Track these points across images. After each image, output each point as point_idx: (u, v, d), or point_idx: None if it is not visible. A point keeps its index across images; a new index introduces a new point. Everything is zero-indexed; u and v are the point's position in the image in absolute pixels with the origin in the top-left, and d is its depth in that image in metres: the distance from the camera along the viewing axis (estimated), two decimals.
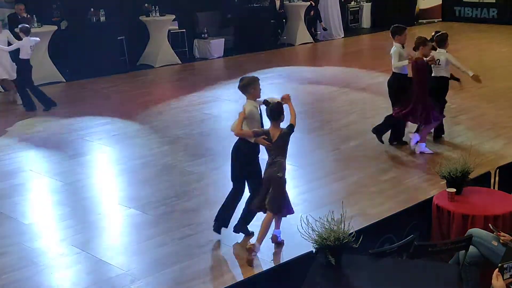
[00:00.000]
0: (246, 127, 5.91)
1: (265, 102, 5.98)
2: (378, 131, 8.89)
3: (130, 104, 11.76)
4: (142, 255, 5.97)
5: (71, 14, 14.41)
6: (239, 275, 5.54)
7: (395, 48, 8.72)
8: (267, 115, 5.91)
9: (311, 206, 6.89)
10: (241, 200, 6.22)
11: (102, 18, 14.26)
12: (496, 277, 3.57)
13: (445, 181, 5.53)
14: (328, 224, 4.30)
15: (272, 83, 13.18)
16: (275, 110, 5.83)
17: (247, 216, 6.19)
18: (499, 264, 3.67)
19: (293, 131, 5.86)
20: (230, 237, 6.21)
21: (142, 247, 6.13)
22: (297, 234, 4.42)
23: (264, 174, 5.97)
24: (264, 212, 5.95)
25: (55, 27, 13.58)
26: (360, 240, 4.25)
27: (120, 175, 8.19)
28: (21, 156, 8.91)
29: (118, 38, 14.71)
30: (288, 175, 7.86)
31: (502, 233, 4.68)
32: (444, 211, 5.24)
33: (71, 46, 14.27)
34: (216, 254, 6.00)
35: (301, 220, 4.35)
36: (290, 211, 6.03)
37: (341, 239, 4.17)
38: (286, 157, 5.93)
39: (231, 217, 6.22)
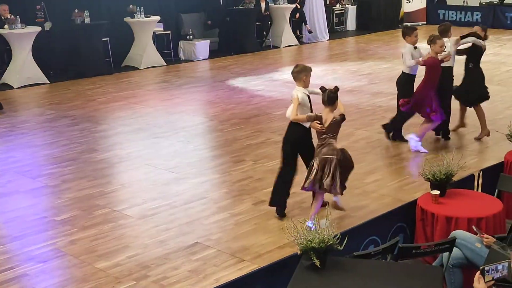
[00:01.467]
0: (298, 113, 6.43)
1: (322, 89, 6.42)
2: (393, 127, 9.17)
3: (116, 104, 11.72)
4: None
5: (55, 15, 14.32)
6: (223, 278, 5.52)
7: (406, 48, 8.87)
8: (324, 101, 6.34)
9: (296, 209, 6.89)
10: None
11: (87, 20, 14.20)
12: (477, 279, 3.58)
13: (429, 183, 5.55)
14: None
15: (258, 85, 13.21)
16: (332, 96, 6.31)
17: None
18: (481, 267, 3.69)
19: (345, 119, 6.38)
20: (218, 241, 6.20)
21: None
22: (282, 236, 4.41)
23: (317, 156, 6.29)
24: (318, 191, 6.27)
25: (39, 28, 13.51)
26: (345, 242, 4.25)
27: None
28: None
29: (103, 39, 14.65)
30: (273, 177, 7.88)
31: (485, 235, 4.71)
32: (428, 213, 5.26)
33: (55, 48, 14.20)
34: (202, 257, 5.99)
35: (286, 222, 4.34)
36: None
37: (326, 241, 4.16)
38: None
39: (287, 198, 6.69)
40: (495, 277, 3.67)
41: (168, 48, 16.32)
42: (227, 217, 6.78)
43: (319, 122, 6.26)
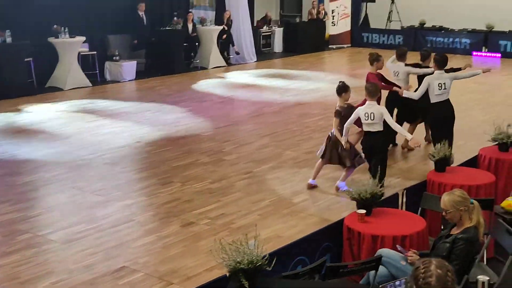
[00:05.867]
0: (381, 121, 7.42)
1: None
2: None
3: (40, 126, 11.43)
4: None
5: None
6: None
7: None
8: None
9: (225, 230, 6.87)
10: None
11: (8, 39, 13.85)
12: None
13: (356, 202, 5.63)
14: (241, 247, 4.29)
15: (186, 106, 13.16)
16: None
17: None
18: (380, 285, 3.76)
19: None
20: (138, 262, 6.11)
21: None
22: (211, 258, 4.38)
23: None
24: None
25: None
26: (273, 262, 4.26)
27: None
28: None
29: (26, 59, 14.30)
30: (202, 198, 7.85)
31: (409, 253, 4.82)
32: (355, 232, 5.33)
33: None
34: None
35: (214, 244, 4.31)
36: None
37: (255, 262, 4.16)
38: None
39: None
40: None
41: (94, 68, 16.08)
42: (155, 239, 6.69)
43: None
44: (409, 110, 9.60)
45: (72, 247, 6.47)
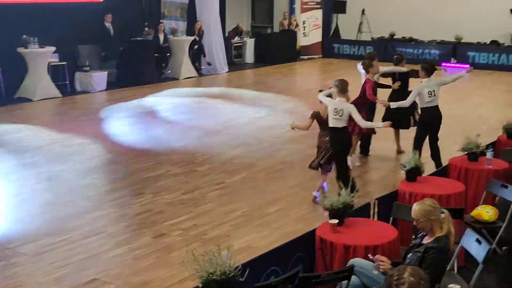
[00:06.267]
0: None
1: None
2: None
3: (8, 137, 11.27)
4: None
5: None
6: None
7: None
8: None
9: (197, 241, 6.83)
10: None
11: None
12: None
13: (328, 212, 5.65)
14: (214, 259, 4.27)
15: (156, 118, 13.10)
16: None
17: None
18: None
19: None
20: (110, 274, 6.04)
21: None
22: (184, 269, 4.36)
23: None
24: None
25: None
26: (246, 273, 4.24)
27: None
28: None
29: None
30: (174, 209, 7.81)
31: (381, 262, 4.84)
32: (327, 242, 5.34)
33: None
34: None
35: (186, 255, 4.29)
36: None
37: (227, 273, 4.14)
38: None
39: None
40: None
41: (64, 79, 15.93)
42: (127, 251, 6.63)
43: None
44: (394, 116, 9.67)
45: (42, 260, 6.38)
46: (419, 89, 8.75)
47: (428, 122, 8.90)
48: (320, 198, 7.51)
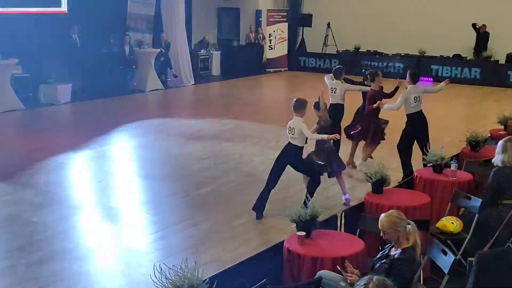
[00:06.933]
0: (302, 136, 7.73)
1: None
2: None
3: None
4: None
5: None
6: None
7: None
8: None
9: (164, 254, 6.77)
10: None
11: None
12: None
13: (295, 224, 5.65)
14: (181, 272, 4.24)
15: (120, 130, 13.00)
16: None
17: None
18: None
19: None
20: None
21: None
22: (150, 284, 4.31)
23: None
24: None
25: None
26: (214, 286, 4.22)
27: None
28: None
29: None
30: (141, 223, 7.75)
31: (349, 273, 4.85)
32: (295, 254, 5.34)
33: None
34: None
35: (154, 269, 4.26)
36: None
37: (195, 286, 4.12)
38: None
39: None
40: None
41: (28, 91, 15.71)
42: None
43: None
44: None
45: None
46: (407, 95, 9.08)
47: (416, 127, 9.22)
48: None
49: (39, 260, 6.61)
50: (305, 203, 5.84)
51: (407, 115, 9.25)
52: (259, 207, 7.89)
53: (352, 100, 10.51)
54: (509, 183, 6.55)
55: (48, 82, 15.81)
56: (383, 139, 10.11)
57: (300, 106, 7.80)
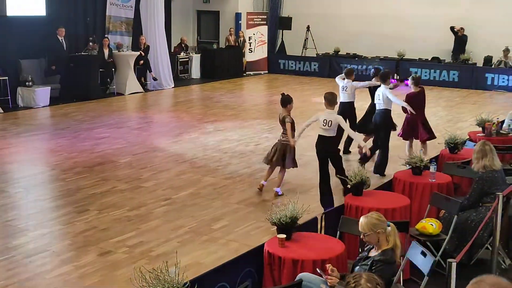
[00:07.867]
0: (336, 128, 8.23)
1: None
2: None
3: None
4: None
5: None
6: None
7: (383, 88, 9.96)
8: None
9: (144, 258, 6.74)
10: None
11: None
12: None
13: (276, 227, 5.65)
14: (161, 275, 4.22)
15: (101, 133, 12.92)
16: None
17: None
18: None
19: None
20: None
21: None
22: (130, 287, 4.29)
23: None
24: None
25: None
26: None
27: None
28: None
29: None
30: (120, 226, 7.71)
31: (329, 276, 4.86)
32: (275, 257, 5.35)
33: None
34: None
35: (133, 272, 4.23)
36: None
37: None
38: None
39: None
40: None
41: (5, 94, 15.56)
42: (71, 269, 6.49)
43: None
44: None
45: None
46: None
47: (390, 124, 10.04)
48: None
49: None
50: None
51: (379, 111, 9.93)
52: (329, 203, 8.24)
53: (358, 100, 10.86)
54: (492, 186, 6.65)
55: (27, 85, 15.66)
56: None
57: (333, 99, 8.29)
